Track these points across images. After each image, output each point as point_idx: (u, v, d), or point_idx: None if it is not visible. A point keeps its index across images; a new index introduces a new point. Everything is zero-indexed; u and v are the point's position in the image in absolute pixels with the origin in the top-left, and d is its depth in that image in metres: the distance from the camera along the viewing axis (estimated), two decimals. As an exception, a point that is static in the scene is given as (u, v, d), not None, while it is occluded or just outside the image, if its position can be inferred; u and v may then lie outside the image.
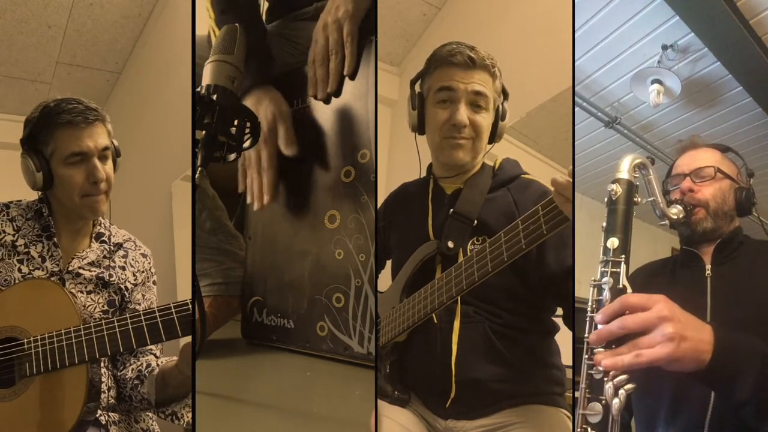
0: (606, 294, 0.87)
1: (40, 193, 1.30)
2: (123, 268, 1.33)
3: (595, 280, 0.90)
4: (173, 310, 1.12)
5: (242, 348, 1.47)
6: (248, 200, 1.42)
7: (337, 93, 1.33)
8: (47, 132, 1.23)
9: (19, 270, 1.23)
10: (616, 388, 0.83)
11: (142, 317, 1.12)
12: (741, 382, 0.83)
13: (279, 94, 1.39)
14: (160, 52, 2.55)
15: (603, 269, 0.89)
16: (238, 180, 1.44)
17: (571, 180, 0.91)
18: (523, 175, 1.24)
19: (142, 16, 2.54)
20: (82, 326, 1.13)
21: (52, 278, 1.24)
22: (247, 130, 1.14)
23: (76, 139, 1.22)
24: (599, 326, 0.85)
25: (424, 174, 1.37)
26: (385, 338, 1.23)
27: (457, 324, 1.17)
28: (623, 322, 0.82)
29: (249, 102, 1.37)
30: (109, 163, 1.27)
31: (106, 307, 1.28)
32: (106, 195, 1.26)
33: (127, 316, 1.13)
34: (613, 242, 0.90)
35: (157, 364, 1.27)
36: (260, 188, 1.39)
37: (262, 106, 1.36)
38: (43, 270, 1.24)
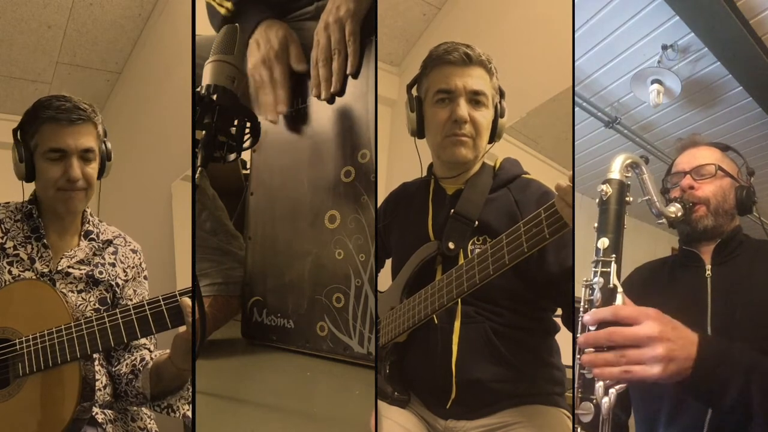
0: (596, 294, 0.88)
1: (29, 191, 1.31)
2: (113, 265, 1.33)
3: (587, 280, 0.90)
4: (162, 302, 1.12)
5: (242, 348, 1.47)
6: (262, 116, 1.40)
7: (341, 92, 1.33)
8: (33, 125, 1.25)
9: (9, 272, 1.23)
10: (606, 388, 0.84)
11: (132, 311, 1.12)
12: (723, 393, 0.84)
13: (286, 25, 1.41)
14: (160, 52, 2.55)
15: (594, 269, 0.90)
16: (250, 103, 1.44)
17: (571, 184, 0.91)
18: (523, 175, 1.24)
19: (142, 16, 2.54)
20: (72, 324, 1.13)
21: (43, 279, 1.24)
22: (247, 130, 1.15)
23: (56, 135, 1.23)
24: (589, 327, 0.86)
25: (424, 174, 1.37)
26: (385, 338, 1.23)
27: (457, 324, 1.17)
28: (611, 335, 0.83)
29: (259, 31, 1.38)
30: (93, 165, 1.27)
31: (97, 306, 1.28)
32: (85, 192, 1.27)
33: (117, 311, 1.13)
34: (604, 242, 0.91)
35: (151, 358, 1.28)
36: (275, 101, 1.39)
37: (272, 30, 1.38)
38: (32, 271, 1.24)
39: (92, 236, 1.34)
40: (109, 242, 1.35)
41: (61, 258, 1.28)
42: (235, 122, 1.13)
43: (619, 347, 0.82)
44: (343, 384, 1.26)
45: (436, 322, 1.18)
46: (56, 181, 1.24)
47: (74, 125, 1.23)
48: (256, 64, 1.37)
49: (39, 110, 1.24)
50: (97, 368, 1.24)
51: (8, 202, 1.31)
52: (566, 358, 1.21)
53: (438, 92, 1.21)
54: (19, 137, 1.26)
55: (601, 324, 0.84)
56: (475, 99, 1.20)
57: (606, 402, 0.83)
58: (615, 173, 0.95)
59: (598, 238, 0.91)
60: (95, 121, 1.27)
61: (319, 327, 1.33)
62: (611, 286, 0.88)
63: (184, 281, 2.06)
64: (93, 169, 1.27)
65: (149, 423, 1.33)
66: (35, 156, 1.25)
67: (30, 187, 1.32)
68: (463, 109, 1.19)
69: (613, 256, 0.89)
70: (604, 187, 0.93)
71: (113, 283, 1.31)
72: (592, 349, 0.84)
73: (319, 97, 1.34)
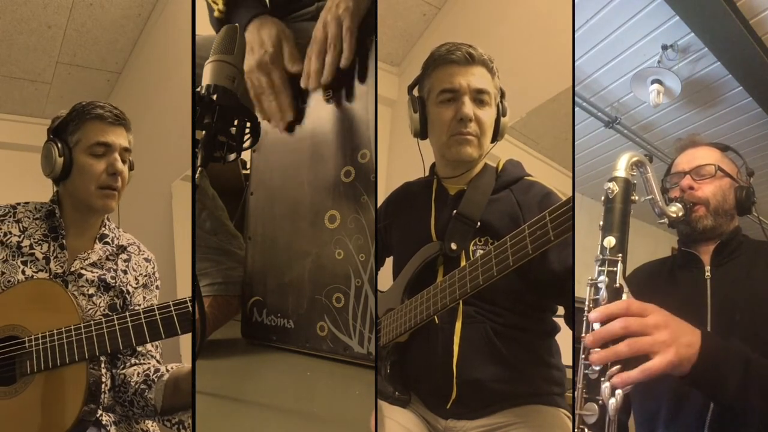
0: (602, 293, 0.88)
1: (54, 188, 1.32)
2: (125, 272, 1.34)
3: (592, 279, 0.90)
4: (172, 308, 1.13)
5: (242, 348, 1.46)
6: (271, 125, 1.41)
7: (349, 97, 1.33)
8: (76, 123, 1.29)
9: (23, 272, 1.24)
10: (613, 388, 0.83)
11: (142, 315, 1.13)
12: (724, 386, 0.85)
13: (278, 20, 1.39)
14: (160, 52, 2.55)
15: (600, 268, 0.90)
16: (255, 110, 1.41)
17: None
18: (526, 177, 1.24)
19: (142, 16, 2.55)
20: (82, 324, 1.14)
21: (55, 279, 1.24)
22: (247, 130, 1.14)
23: (103, 131, 1.28)
24: (594, 325, 0.85)
25: (426, 174, 1.37)
26: (386, 338, 1.23)
27: (458, 325, 1.17)
28: (626, 323, 0.82)
29: (251, 30, 1.37)
30: (126, 167, 1.33)
31: (107, 311, 1.28)
32: (118, 193, 1.31)
33: (127, 314, 1.14)
34: (610, 241, 0.90)
35: (167, 369, 1.26)
36: (280, 109, 1.38)
37: (264, 29, 1.36)
38: (46, 272, 1.25)
39: (107, 240, 1.35)
40: (123, 248, 1.36)
41: (75, 259, 1.29)
42: (235, 122, 1.13)
43: (630, 336, 0.82)
44: (343, 384, 1.26)
45: (437, 322, 1.18)
46: (99, 176, 1.27)
47: (117, 125, 1.31)
48: (252, 68, 1.36)
49: (83, 111, 1.29)
50: (103, 371, 1.24)
51: (28, 202, 1.33)
52: (566, 359, 1.21)
53: (442, 92, 1.21)
54: (54, 135, 1.29)
55: (610, 320, 0.84)
56: (479, 98, 1.20)
57: (613, 403, 0.82)
58: (621, 171, 0.94)
59: (604, 237, 0.90)
60: (129, 128, 1.35)
61: (319, 327, 1.33)
62: (617, 285, 0.87)
63: (184, 281, 2.06)
64: (126, 171, 1.33)
65: (152, 425, 1.32)
66: (75, 151, 1.28)
67: (40, 185, 1.33)
68: (469, 107, 1.19)
69: (619, 255, 0.89)
70: (610, 185, 0.93)
71: (124, 289, 1.32)
72: (598, 349, 0.84)
73: (307, 88, 1.34)
